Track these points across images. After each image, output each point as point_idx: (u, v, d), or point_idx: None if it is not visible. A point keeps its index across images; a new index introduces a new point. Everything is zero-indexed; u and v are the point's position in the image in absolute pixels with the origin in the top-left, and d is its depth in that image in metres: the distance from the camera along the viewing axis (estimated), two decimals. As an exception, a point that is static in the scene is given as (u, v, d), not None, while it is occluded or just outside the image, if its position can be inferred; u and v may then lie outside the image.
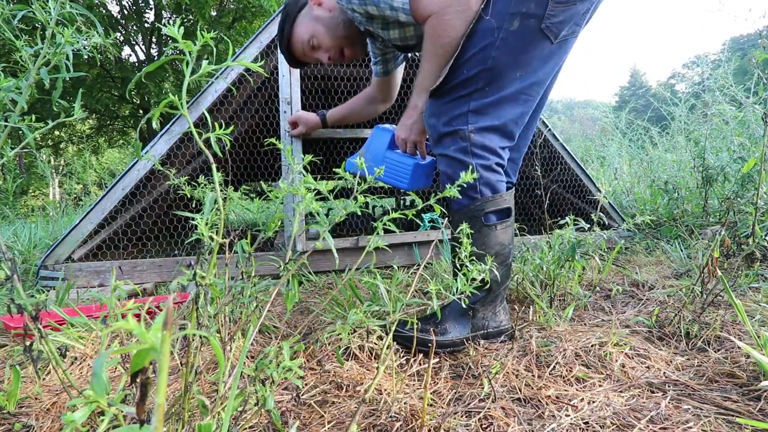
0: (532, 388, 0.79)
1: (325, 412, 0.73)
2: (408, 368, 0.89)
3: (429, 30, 1.07)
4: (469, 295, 0.79)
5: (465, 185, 1.02)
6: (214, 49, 0.59)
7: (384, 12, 1.14)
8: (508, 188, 1.18)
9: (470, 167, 0.88)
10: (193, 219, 0.55)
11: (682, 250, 1.85)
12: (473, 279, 0.76)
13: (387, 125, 1.36)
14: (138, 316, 0.98)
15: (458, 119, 1.07)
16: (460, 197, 1.06)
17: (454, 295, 0.75)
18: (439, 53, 1.08)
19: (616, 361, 0.89)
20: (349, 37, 1.33)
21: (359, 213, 0.69)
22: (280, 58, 2.05)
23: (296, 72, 1.97)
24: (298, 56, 1.39)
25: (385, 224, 0.73)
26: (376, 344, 0.99)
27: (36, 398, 0.80)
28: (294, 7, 1.33)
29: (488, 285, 1.04)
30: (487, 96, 1.05)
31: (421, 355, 0.96)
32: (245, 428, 0.67)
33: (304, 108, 2.93)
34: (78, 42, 0.77)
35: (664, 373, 0.85)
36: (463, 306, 0.83)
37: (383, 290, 1.11)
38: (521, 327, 1.11)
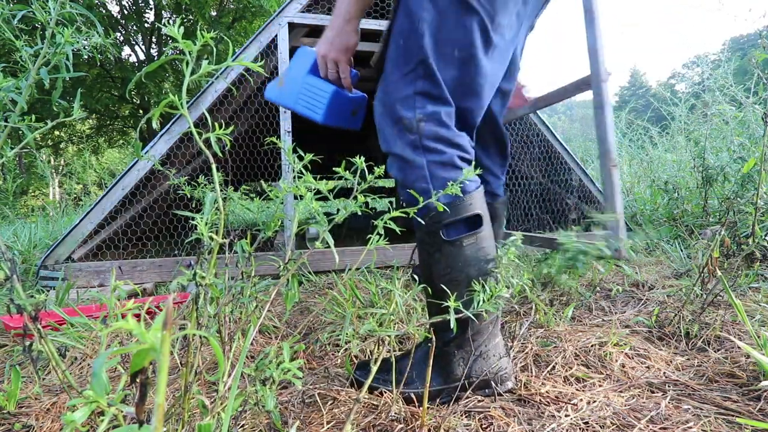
0: (532, 388, 0.79)
1: (325, 412, 0.73)
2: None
3: None
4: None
5: (414, 191, 0.79)
6: (214, 49, 0.59)
7: None
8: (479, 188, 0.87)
9: (423, 165, 0.73)
10: (193, 219, 0.55)
11: (682, 250, 1.85)
12: (443, 310, 0.61)
13: (309, 48, 1.08)
14: (138, 316, 0.98)
15: (403, 103, 0.84)
16: (420, 210, 0.77)
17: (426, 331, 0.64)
18: None
19: (616, 361, 0.89)
20: None
21: (359, 213, 0.69)
22: (280, 58, 2.05)
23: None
24: None
25: (386, 223, 0.73)
26: (374, 346, 0.99)
27: (36, 398, 0.80)
28: None
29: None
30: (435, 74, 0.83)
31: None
32: (245, 428, 0.67)
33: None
34: (78, 42, 0.77)
35: (664, 373, 0.85)
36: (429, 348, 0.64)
37: (397, 296, 1.11)
38: (521, 326, 1.11)
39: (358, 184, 0.73)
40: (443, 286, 0.76)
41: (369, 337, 1.01)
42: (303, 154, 0.74)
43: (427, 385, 0.68)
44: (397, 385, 0.77)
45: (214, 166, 0.54)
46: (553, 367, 0.87)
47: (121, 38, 9.21)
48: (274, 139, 0.83)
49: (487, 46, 0.88)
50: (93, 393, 0.32)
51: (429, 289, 0.82)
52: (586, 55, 1.44)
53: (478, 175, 0.82)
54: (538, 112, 2.44)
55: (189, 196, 1.04)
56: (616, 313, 1.22)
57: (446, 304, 0.65)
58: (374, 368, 0.64)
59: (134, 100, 9.35)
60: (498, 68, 0.92)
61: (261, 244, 0.70)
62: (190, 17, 8.74)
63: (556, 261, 1.28)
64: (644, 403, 0.74)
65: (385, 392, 0.79)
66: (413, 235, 0.88)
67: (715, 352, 0.92)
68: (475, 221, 0.84)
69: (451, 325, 0.66)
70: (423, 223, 0.80)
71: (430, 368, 0.69)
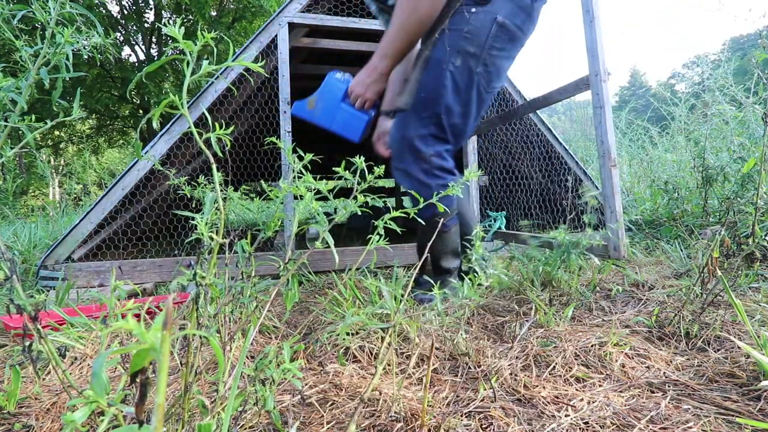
0: (532, 388, 0.79)
1: (325, 412, 0.73)
2: (407, 368, 0.89)
3: (402, 2, 1.21)
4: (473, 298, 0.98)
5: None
6: (215, 49, 0.59)
7: None
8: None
9: (432, 186, 1.13)
10: (193, 219, 0.55)
11: (682, 250, 1.85)
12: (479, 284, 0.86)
13: (339, 74, 1.38)
14: (138, 316, 0.98)
15: (420, 140, 1.27)
16: (425, 212, 1.19)
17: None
18: (406, 25, 1.21)
19: (616, 361, 0.89)
20: None
21: (359, 213, 0.69)
22: (280, 57, 2.05)
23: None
24: None
25: (386, 223, 0.73)
26: (374, 345, 0.99)
27: (36, 398, 0.80)
28: None
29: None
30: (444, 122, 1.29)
31: (421, 357, 0.96)
32: (245, 428, 0.67)
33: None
34: (78, 42, 0.77)
35: (664, 373, 0.85)
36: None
37: (386, 292, 1.11)
38: (521, 325, 1.11)
39: (358, 184, 0.73)
40: (440, 254, 1.38)
41: (362, 331, 1.01)
42: (303, 154, 0.74)
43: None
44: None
45: (214, 166, 0.54)
46: (553, 367, 0.87)
47: (121, 38, 9.21)
48: (274, 139, 0.84)
49: (479, 104, 1.32)
50: (93, 393, 0.32)
51: (431, 256, 1.37)
52: (585, 55, 1.45)
53: None
54: (537, 111, 2.44)
55: (189, 196, 1.04)
56: (616, 313, 1.22)
57: (443, 262, 1.36)
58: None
59: (134, 100, 9.34)
60: (482, 112, 1.37)
61: (261, 244, 0.70)
62: (190, 17, 8.73)
63: (552, 258, 1.29)
64: (644, 403, 0.74)
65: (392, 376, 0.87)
66: (412, 236, 1.45)
67: (715, 352, 0.92)
68: (455, 217, 1.38)
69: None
70: (427, 219, 1.26)
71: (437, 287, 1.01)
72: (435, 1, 1.22)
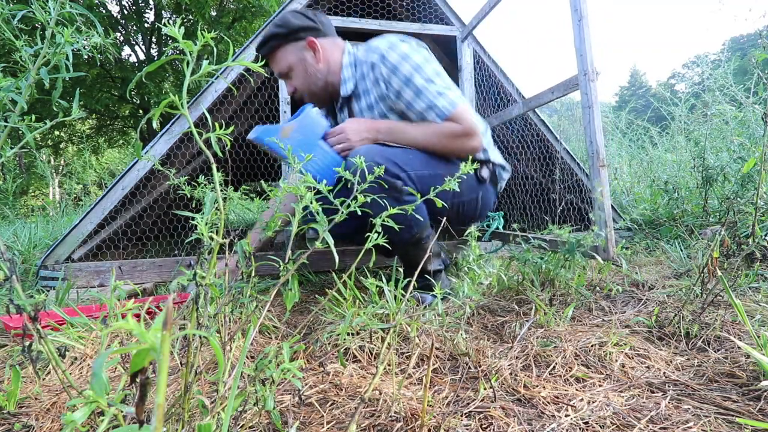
0: (532, 388, 0.79)
1: (325, 412, 0.73)
2: (407, 368, 0.89)
3: (456, 129, 1.26)
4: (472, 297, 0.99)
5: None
6: (215, 49, 0.59)
7: (410, 114, 1.30)
8: None
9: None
10: (193, 219, 0.55)
11: (682, 250, 1.85)
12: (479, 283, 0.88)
13: (316, 109, 1.28)
14: (138, 316, 0.98)
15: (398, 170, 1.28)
16: (404, 235, 1.28)
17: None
18: (440, 144, 1.27)
19: (616, 361, 0.89)
20: (317, 95, 1.39)
21: (359, 212, 0.69)
22: (280, 58, 2.04)
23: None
24: (269, 64, 1.41)
25: (384, 221, 0.73)
26: (374, 345, 0.99)
27: (36, 398, 0.80)
28: (292, 29, 1.32)
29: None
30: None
31: (421, 357, 0.96)
32: (245, 428, 0.67)
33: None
34: (78, 42, 0.77)
35: (664, 373, 0.85)
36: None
37: (387, 292, 1.11)
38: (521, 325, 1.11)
39: (358, 183, 0.73)
40: (426, 263, 1.35)
41: (362, 331, 1.01)
42: (303, 154, 0.74)
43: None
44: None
45: (214, 166, 0.54)
46: (553, 367, 0.87)
47: (121, 38, 9.21)
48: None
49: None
50: (93, 393, 0.32)
51: (420, 268, 1.31)
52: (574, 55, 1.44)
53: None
54: (537, 111, 2.44)
55: (189, 196, 1.04)
56: (616, 313, 1.22)
57: (429, 266, 1.36)
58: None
59: (134, 100, 9.34)
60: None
61: (261, 244, 0.70)
62: (190, 17, 8.73)
63: (554, 257, 1.29)
64: (644, 403, 0.74)
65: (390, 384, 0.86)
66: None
67: (715, 352, 0.92)
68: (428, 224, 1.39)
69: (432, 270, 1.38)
70: (407, 241, 1.30)
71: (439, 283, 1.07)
72: (477, 147, 1.30)
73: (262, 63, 0.60)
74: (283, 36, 1.31)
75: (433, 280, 1.29)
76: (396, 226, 0.84)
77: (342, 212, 0.68)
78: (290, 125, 1.21)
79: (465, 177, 1.30)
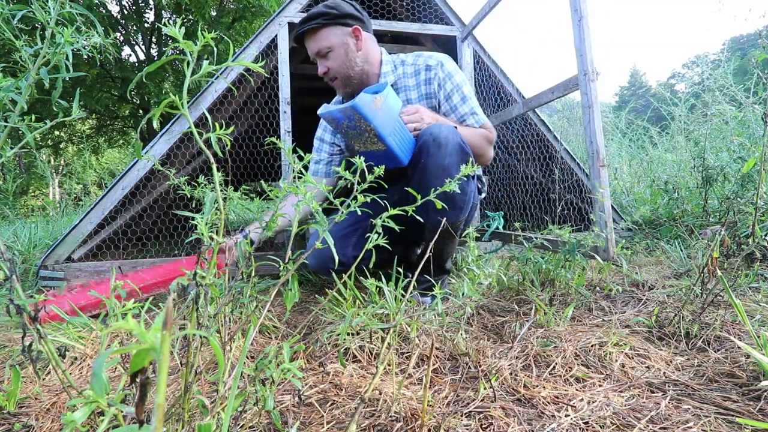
0: (532, 388, 0.79)
1: (325, 412, 0.73)
2: (408, 368, 0.89)
3: (490, 136, 1.45)
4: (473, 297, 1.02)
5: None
6: (215, 49, 0.59)
7: (451, 115, 1.47)
8: None
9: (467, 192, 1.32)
10: (193, 219, 0.55)
11: (682, 250, 1.85)
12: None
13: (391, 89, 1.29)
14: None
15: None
16: (458, 216, 1.38)
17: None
18: (477, 144, 1.41)
19: (616, 361, 0.89)
20: (350, 79, 1.46)
21: (359, 212, 0.69)
22: (280, 57, 2.05)
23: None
24: (306, 41, 1.45)
25: (384, 221, 0.73)
26: (374, 345, 0.99)
27: (36, 398, 0.80)
28: (343, 13, 1.39)
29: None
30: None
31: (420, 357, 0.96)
32: (245, 428, 0.67)
33: (298, 106, 2.91)
34: (78, 42, 0.77)
35: (664, 373, 0.85)
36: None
37: (387, 292, 1.11)
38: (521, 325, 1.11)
39: (358, 184, 0.73)
40: (447, 256, 1.45)
41: (362, 331, 1.01)
42: (303, 154, 0.74)
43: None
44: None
45: (214, 166, 0.54)
46: (553, 367, 0.87)
47: (121, 38, 9.20)
48: (274, 139, 0.84)
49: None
50: (93, 393, 0.32)
51: (438, 259, 1.43)
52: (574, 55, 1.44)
53: None
54: (537, 111, 2.43)
55: (189, 196, 1.04)
56: (616, 313, 1.22)
57: (446, 265, 1.47)
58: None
59: (134, 100, 9.34)
60: None
61: (261, 244, 0.70)
62: (190, 17, 8.73)
63: (554, 257, 1.29)
64: (644, 403, 0.74)
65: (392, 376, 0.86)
66: (408, 235, 1.44)
67: (715, 352, 0.92)
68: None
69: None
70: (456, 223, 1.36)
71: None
72: (492, 156, 1.50)
73: (262, 63, 0.60)
74: (333, 17, 1.38)
75: (432, 280, 1.30)
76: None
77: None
78: (379, 97, 1.22)
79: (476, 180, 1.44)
